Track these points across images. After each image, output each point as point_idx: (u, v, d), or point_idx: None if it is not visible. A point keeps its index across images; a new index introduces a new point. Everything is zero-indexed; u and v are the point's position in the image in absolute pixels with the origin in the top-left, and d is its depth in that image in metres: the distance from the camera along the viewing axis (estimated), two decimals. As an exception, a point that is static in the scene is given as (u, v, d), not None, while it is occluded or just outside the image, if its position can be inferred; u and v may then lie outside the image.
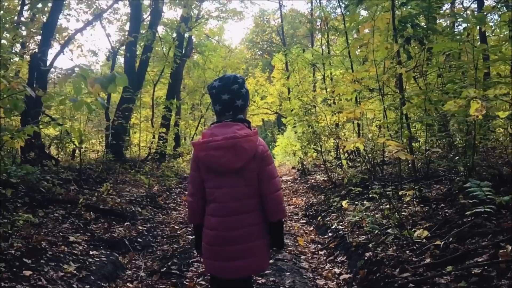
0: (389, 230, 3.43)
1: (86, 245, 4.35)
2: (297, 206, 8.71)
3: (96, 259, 4.04)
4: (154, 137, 12.87)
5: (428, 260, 2.95)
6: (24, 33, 8.62)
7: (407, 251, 3.24)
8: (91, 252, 4.17)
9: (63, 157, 8.46)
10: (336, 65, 12.86)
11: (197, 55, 23.05)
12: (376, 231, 3.71)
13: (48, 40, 7.43)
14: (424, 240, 3.24)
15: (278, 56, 23.18)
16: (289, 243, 5.09)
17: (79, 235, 4.62)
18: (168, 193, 9.19)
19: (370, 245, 3.51)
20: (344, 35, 11.72)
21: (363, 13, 12.02)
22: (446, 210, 4.02)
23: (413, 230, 3.49)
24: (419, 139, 7.43)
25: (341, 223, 5.39)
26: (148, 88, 15.45)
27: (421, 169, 6.50)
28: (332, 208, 6.73)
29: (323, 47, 15.94)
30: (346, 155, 11.91)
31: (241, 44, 38.32)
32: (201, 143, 2.03)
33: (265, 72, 26.31)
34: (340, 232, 4.92)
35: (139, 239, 5.25)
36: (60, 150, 7.90)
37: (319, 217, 6.86)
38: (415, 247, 3.28)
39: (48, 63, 8.05)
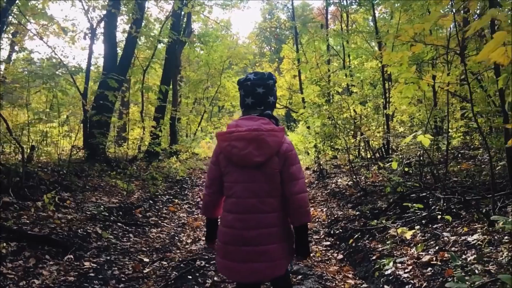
0: None
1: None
2: (317, 219, 6.65)
3: None
4: (144, 133, 10.87)
5: None
6: None
7: None
8: None
9: (8, 157, 6.49)
10: (359, 46, 10.72)
11: (201, 45, 21.25)
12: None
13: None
14: None
15: (288, 45, 21.18)
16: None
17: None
18: (151, 202, 7.20)
19: None
20: (370, 7, 9.60)
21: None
22: None
23: None
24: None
25: (401, 265, 3.33)
26: (140, 77, 13.47)
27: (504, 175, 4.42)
28: (371, 229, 4.70)
29: (342, 29, 13.82)
30: (371, 152, 9.82)
31: (250, 36, 36.36)
32: (224, 133, 1.99)
33: (273, 63, 24.35)
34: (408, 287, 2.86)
35: (75, 290, 3.26)
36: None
37: (351, 240, 4.83)
38: None
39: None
